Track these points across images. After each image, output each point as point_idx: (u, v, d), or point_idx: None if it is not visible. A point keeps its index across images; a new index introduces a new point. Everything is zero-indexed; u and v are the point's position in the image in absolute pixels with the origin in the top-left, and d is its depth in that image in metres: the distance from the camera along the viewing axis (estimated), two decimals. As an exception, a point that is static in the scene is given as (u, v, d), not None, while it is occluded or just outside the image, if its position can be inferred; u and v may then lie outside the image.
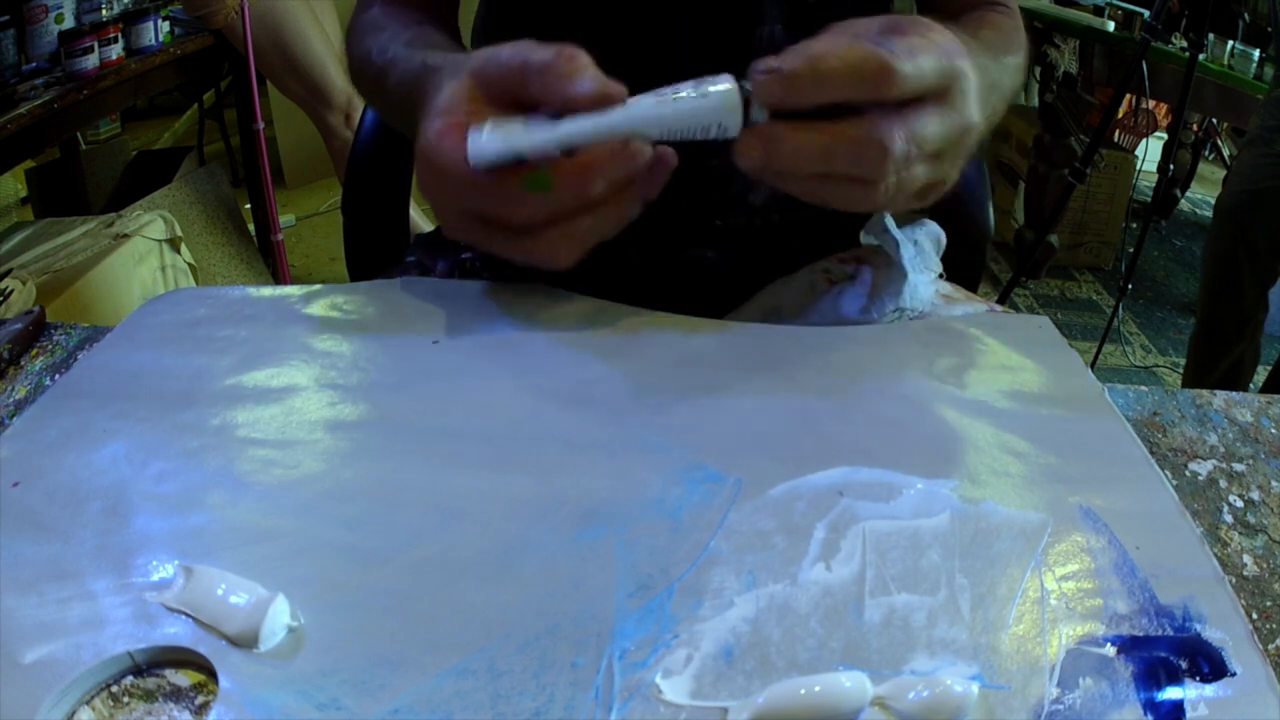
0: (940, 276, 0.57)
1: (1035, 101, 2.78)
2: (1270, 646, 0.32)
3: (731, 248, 0.61)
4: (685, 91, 0.39)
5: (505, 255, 0.41)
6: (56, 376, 0.45)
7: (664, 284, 0.57)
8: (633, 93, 0.40)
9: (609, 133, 0.38)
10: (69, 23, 1.68)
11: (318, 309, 0.48)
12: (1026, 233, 2.43)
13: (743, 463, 0.37)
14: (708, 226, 0.60)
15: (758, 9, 0.58)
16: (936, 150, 0.41)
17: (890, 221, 0.56)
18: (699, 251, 0.61)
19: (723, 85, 0.39)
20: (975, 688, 0.28)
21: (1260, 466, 0.41)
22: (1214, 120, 3.12)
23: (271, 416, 0.40)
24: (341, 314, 0.48)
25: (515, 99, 0.41)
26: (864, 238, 0.55)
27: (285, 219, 2.67)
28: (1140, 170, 2.56)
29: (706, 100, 0.39)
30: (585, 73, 0.39)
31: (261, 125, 1.92)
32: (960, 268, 0.69)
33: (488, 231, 0.41)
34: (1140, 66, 1.83)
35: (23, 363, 0.47)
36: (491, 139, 0.39)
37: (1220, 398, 0.46)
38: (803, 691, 0.28)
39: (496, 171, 0.38)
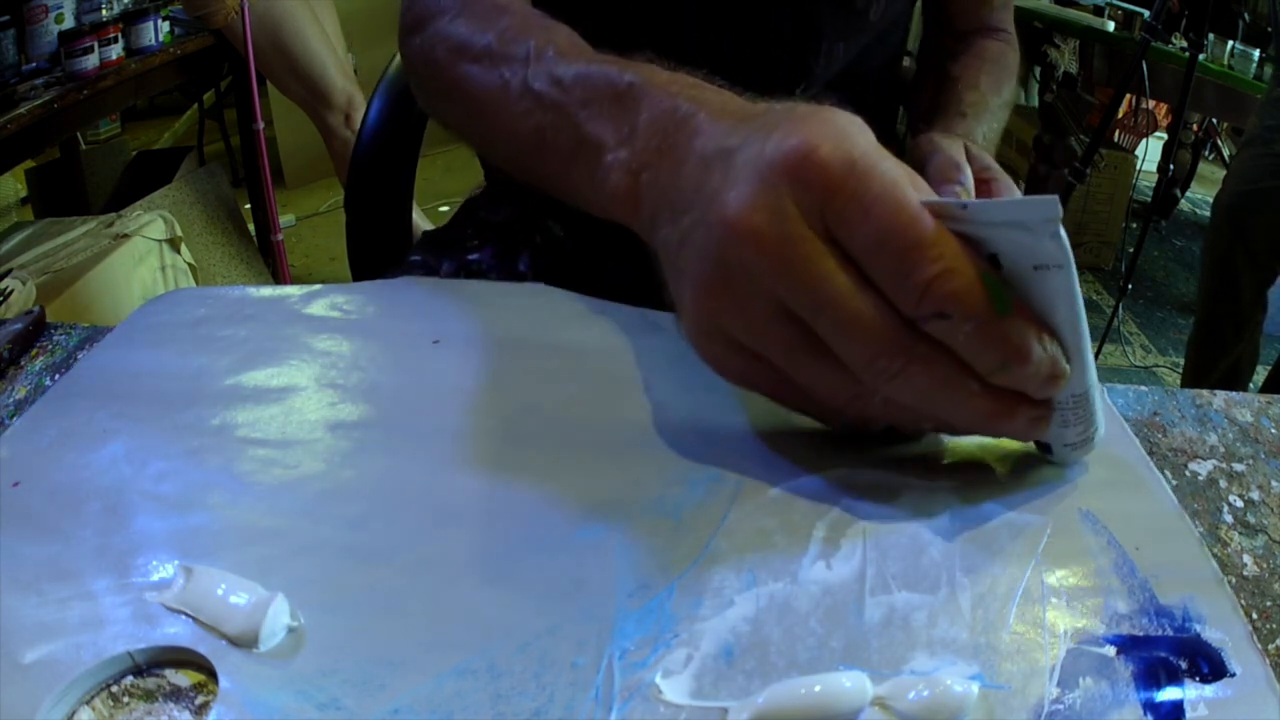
0: None
1: (1035, 101, 2.78)
2: (1270, 646, 0.32)
3: None
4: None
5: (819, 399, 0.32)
6: (56, 376, 0.45)
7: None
8: None
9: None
10: (69, 23, 1.68)
11: (318, 309, 0.48)
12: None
13: (743, 463, 0.37)
14: None
15: (817, 26, 0.58)
16: None
17: None
18: None
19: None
20: (975, 688, 0.28)
21: (1260, 466, 0.41)
22: (1214, 120, 3.12)
23: (271, 416, 0.40)
24: (341, 314, 0.48)
25: None
26: None
27: (285, 219, 2.67)
28: (1140, 170, 2.56)
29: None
30: None
31: (261, 125, 1.92)
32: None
33: (809, 354, 0.30)
34: (1140, 66, 1.83)
35: (23, 363, 0.47)
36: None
37: (1220, 398, 0.46)
38: (803, 691, 0.28)
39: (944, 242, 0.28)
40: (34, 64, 1.65)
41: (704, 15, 0.58)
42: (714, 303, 0.31)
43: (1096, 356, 2.04)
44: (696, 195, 0.32)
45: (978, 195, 0.49)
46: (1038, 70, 2.73)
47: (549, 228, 0.65)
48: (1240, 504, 0.39)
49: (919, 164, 0.53)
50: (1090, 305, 2.47)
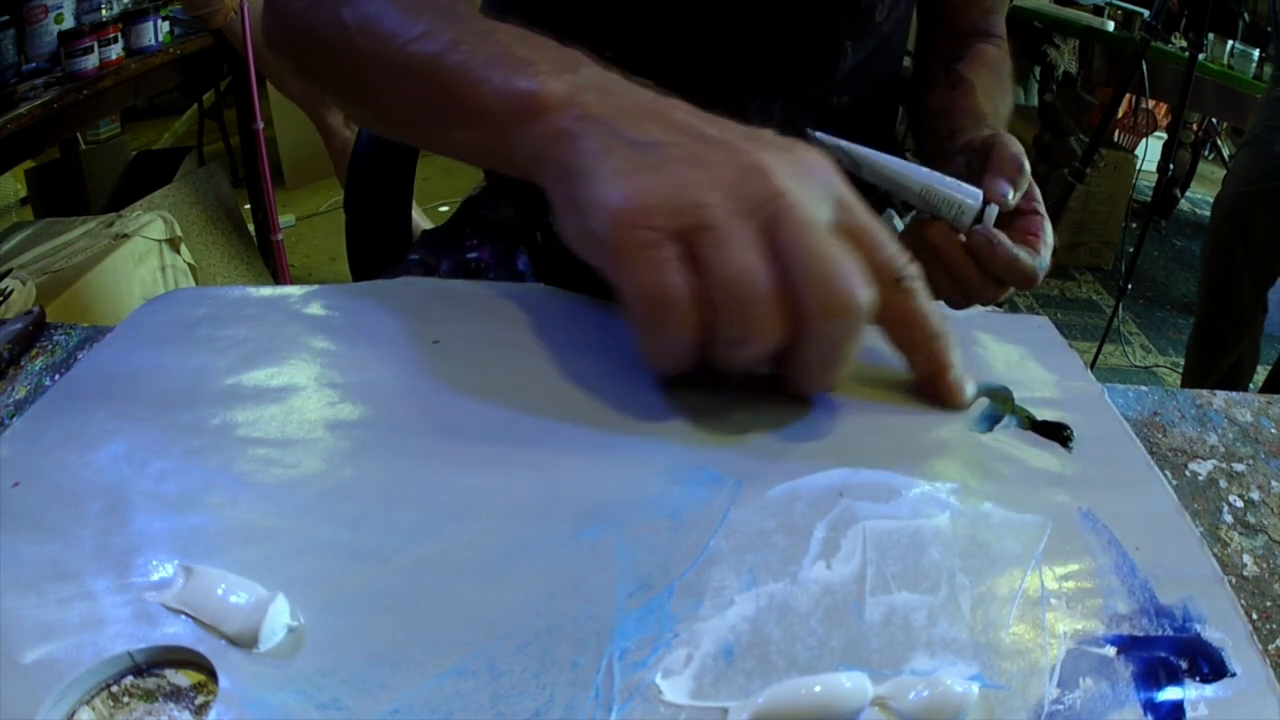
0: None
1: (1035, 101, 2.78)
2: (1270, 646, 0.32)
3: None
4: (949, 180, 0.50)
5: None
6: (56, 376, 0.45)
7: None
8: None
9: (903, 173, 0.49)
10: (69, 23, 1.68)
11: (318, 309, 0.48)
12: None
13: (743, 463, 0.37)
14: None
15: (836, 27, 0.59)
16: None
17: (898, 223, 0.57)
18: None
19: (975, 194, 0.50)
20: (975, 688, 0.28)
21: (1260, 466, 0.41)
22: (1214, 120, 3.12)
23: (271, 416, 0.40)
24: (342, 314, 0.48)
25: None
26: None
27: (285, 219, 2.67)
28: (1140, 170, 2.57)
29: (963, 191, 0.50)
30: None
31: (261, 125, 1.92)
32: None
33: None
34: (1140, 66, 1.83)
35: (23, 363, 0.47)
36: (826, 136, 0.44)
37: (1220, 398, 0.46)
38: (803, 691, 0.28)
39: None
40: (34, 64, 1.65)
41: (731, 16, 0.58)
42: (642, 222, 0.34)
43: (1096, 356, 2.04)
44: (661, 150, 0.35)
45: (1017, 229, 0.54)
46: (1038, 70, 2.73)
47: (548, 226, 0.65)
48: (1240, 504, 0.39)
49: (977, 150, 0.55)
50: (1090, 305, 2.47)
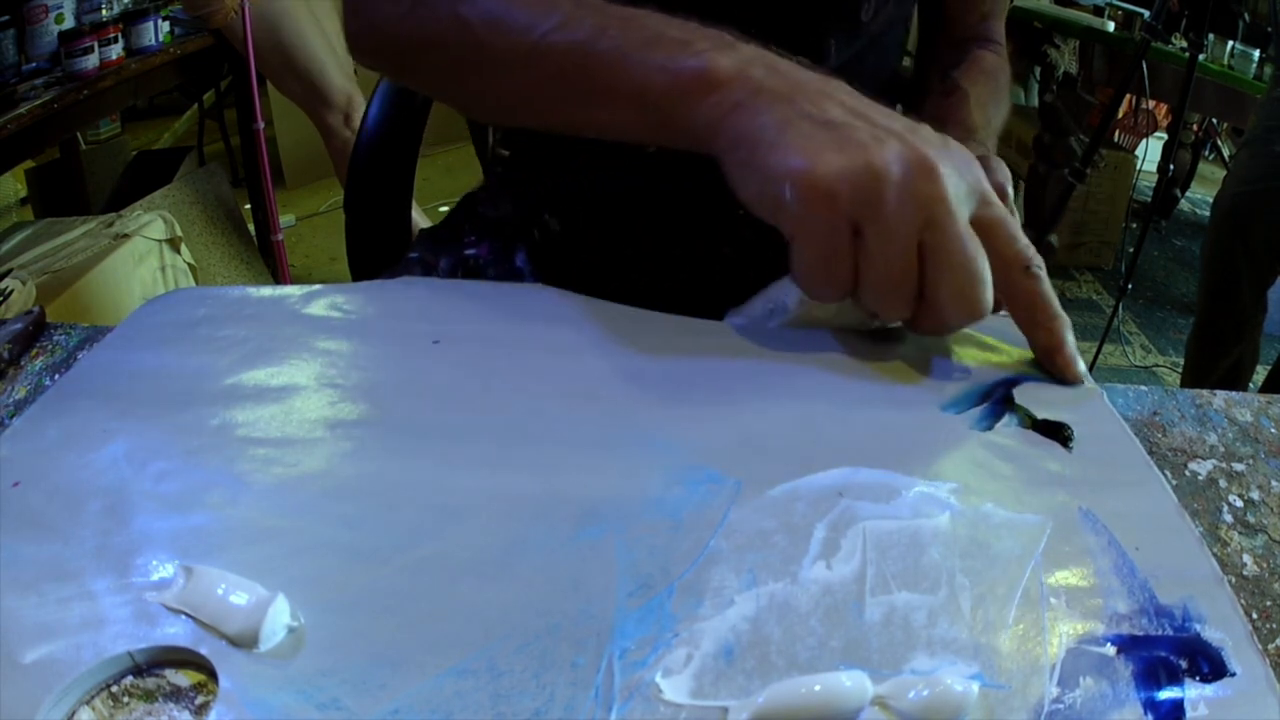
0: None
1: (1035, 101, 2.77)
2: (1270, 646, 0.32)
3: (748, 245, 0.61)
4: None
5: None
6: (56, 376, 0.45)
7: (673, 281, 0.58)
8: None
9: None
10: (69, 23, 1.68)
11: (318, 309, 0.48)
12: (1026, 232, 2.43)
13: (743, 463, 0.37)
14: (730, 219, 0.60)
15: (818, 25, 0.59)
16: None
17: None
18: (716, 248, 0.62)
19: None
20: (975, 687, 0.28)
21: (1260, 466, 0.41)
22: (1214, 120, 3.12)
23: (271, 416, 0.40)
24: (341, 314, 0.48)
25: None
26: None
27: (285, 219, 2.67)
28: (1140, 170, 2.56)
29: None
30: None
31: (261, 125, 1.92)
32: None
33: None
34: (1140, 66, 1.83)
35: (23, 363, 0.47)
36: None
37: (1220, 398, 0.46)
38: (803, 691, 0.28)
39: None
40: (34, 64, 1.65)
41: (708, 12, 0.58)
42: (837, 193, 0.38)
43: (1096, 356, 2.04)
44: (840, 130, 0.39)
45: None
46: (1038, 70, 2.73)
47: (546, 222, 0.65)
48: (1240, 504, 0.39)
49: None
50: (1090, 305, 2.47)
